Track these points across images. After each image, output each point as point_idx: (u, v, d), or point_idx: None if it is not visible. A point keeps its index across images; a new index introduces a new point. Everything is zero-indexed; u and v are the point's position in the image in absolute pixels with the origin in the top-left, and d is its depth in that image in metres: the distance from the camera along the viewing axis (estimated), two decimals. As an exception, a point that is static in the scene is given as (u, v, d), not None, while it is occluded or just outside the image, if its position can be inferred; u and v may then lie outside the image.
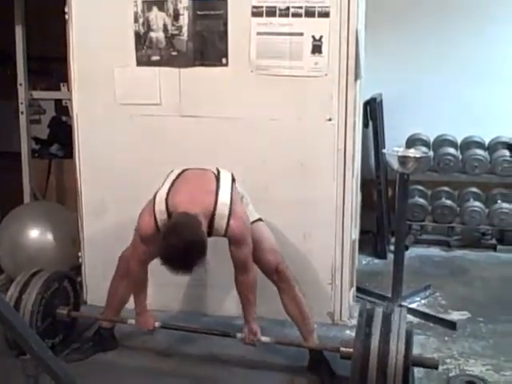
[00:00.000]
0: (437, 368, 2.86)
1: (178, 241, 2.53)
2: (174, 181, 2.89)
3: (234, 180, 3.00)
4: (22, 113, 4.56)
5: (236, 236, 2.81)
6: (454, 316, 3.82)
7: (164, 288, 3.59)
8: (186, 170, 3.00)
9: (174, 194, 2.81)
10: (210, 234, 2.79)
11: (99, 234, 3.76)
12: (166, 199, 2.79)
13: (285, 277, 3.04)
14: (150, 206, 2.83)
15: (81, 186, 3.81)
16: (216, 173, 2.96)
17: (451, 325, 3.67)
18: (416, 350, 3.32)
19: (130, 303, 3.21)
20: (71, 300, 3.37)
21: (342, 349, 2.83)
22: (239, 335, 3.01)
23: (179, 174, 2.95)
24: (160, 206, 2.79)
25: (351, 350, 2.70)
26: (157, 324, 3.10)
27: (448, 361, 3.28)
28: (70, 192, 4.28)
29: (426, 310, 3.85)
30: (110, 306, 3.29)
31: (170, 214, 2.76)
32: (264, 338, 3.00)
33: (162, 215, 2.79)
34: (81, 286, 3.78)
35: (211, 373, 3.17)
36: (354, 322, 3.58)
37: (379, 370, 2.56)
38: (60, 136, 5.08)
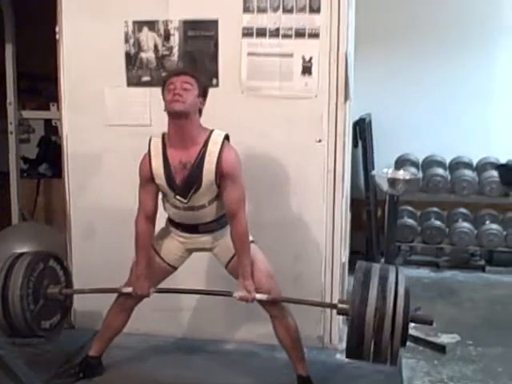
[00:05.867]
0: (432, 325, 2.84)
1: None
2: None
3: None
4: (12, 133, 4.53)
5: (228, 167, 2.81)
6: (444, 339, 3.81)
7: (156, 313, 3.58)
8: None
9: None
10: (201, 164, 2.81)
11: (88, 255, 3.72)
12: (163, 134, 2.90)
13: (278, 305, 3.00)
14: (147, 150, 2.92)
15: (69, 207, 3.77)
16: None
17: (441, 348, 3.65)
18: (406, 374, 3.33)
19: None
20: (61, 278, 3.25)
21: (340, 305, 2.81)
22: (235, 294, 2.94)
23: None
24: (156, 144, 2.90)
25: (348, 306, 2.68)
26: (151, 290, 3.05)
27: (438, 385, 3.27)
28: (59, 212, 4.25)
29: (416, 333, 3.82)
30: (103, 336, 3.24)
31: (164, 143, 2.88)
32: (259, 296, 2.93)
33: (156, 149, 2.88)
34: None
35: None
36: (345, 345, 3.57)
37: (376, 328, 2.54)
38: (49, 155, 5.05)
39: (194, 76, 2.84)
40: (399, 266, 2.84)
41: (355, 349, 2.61)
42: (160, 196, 3.01)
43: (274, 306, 3.00)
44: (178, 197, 2.88)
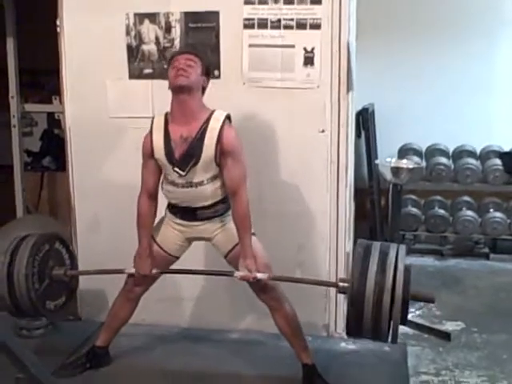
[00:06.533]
0: (433, 302, 2.82)
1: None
2: None
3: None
4: (15, 126, 4.54)
5: (229, 144, 2.83)
6: (449, 326, 3.83)
7: (161, 303, 3.61)
8: None
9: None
10: (201, 139, 2.82)
11: (93, 247, 3.73)
12: (166, 112, 2.94)
13: (274, 297, 3.02)
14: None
15: (74, 199, 3.79)
16: None
17: (446, 336, 3.67)
18: (411, 362, 3.35)
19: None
20: (67, 261, 3.23)
21: (340, 284, 2.76)
22: (236, 274, 2.93)
23: None
24: (159, 121, 2.93)
25: (349, 284, 2.64)
26: (154, 271, 3.04)
27: (443, 372, 3.28)
28: (63, 205, 4.27)
29: (421, 321, 3.85)
30: (110, 326, 3.26)
31: (167, 119, 2.91)
32: (260, 275, 2.91)
33: (159, 126, 2.91)
34: (75, 301, 3.75)
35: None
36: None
37: (375, 303, 2.51)
38: (52, 149, 5.06)
39: (197, 55, 2.90)
40: (401, 245, 2.78)
41: (355, 324, 2.58)
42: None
43: (271, 297, 3.01)
44: (176, 169, 2.86)
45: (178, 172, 2.87)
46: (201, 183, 2.89)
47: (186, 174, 2.86)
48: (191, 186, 2.89)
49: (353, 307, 2.57)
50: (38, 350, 3.35)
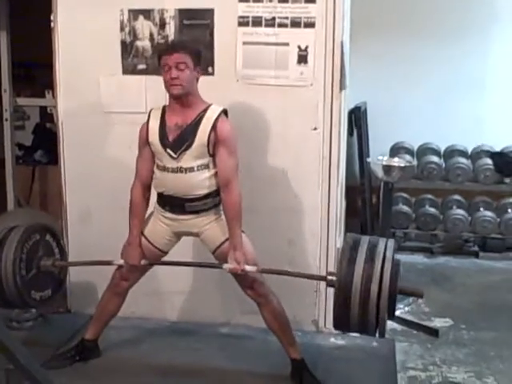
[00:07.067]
0: (422, 297, 2.81)
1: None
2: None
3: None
4: (7, 119, 4.54)
5: (223, 133, 2.87)
6: (437, 323, 3.87)
7: (151, 297, 3.62)
8: None
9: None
10: (196, 126, 2.86)
11: (84, 241, 3.73)
12: (164, 106, 2.99)
13: (261, 293, 3.04)
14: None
15: (65, 192, 3.79)
16: None
17: (434, 332, 3.70)
18: (399, 357, 3.38)
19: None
20: (56, 254, 3.19)
21: (329, 277, 2.75)
22: (225, 266, 2.93)
23: None
24: (156, 112, 2.98)
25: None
26: (143, 262, 3.05)
27: (431, 368, 3.32)
28: (54, 199, 4.27)
29: (409, 318, 3.88)
30: (98, 320, 3.28)
31: (164, 110, 2.97)
32: (248, 268, 2.92)
33: (156, 115, 2.96)
34: (65, 294, 3.77)
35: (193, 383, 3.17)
36: (339, 329, 3.62)
37: (362, 293, 2.50)
38: (44, 142, 5.06)
39: (186, 51, 2.87)
40: (389, 239, 2.78)
41: (342, 315, 2.57)
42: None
43: (258, 293, 3.03)
44: (168, 150, 2.89)
45: (170, 154, 2.89)
46: (191, 169, 2.90)
47: (177, 156, 2.88)
48: (181, 172, 2.91)
49: (340, 297, 2.56)
50: (28, 341, 3.35)
